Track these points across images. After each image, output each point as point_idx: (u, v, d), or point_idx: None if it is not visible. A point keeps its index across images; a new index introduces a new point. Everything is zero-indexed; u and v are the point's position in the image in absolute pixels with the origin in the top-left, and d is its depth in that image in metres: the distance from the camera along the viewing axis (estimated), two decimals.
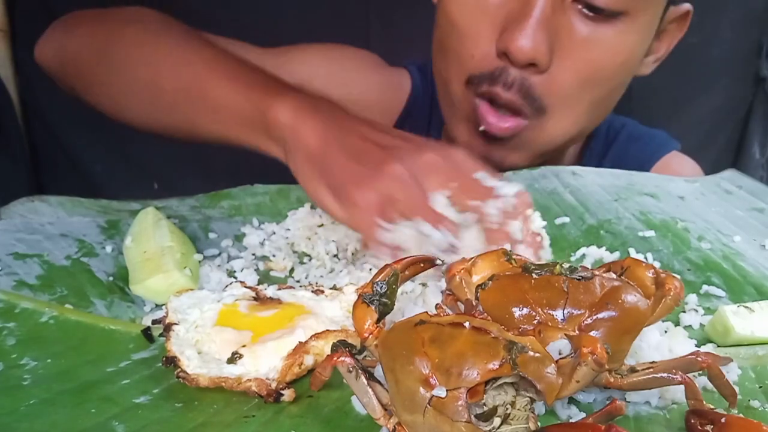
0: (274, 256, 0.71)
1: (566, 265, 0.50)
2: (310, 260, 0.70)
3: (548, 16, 0.78)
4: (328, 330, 0.52)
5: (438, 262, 0.57)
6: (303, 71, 1.00)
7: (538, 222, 0.66)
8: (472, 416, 0.39)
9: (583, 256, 0.71)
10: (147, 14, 0.90)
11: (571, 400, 0.48)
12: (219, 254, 0.70)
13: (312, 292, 0.58)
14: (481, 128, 0.85)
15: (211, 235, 0.74)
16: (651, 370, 0.47)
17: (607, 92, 0.87)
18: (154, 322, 0.55)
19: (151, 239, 0.65)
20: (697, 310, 0.61)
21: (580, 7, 0.79)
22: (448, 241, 0.61)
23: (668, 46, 0.94)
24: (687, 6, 0.91)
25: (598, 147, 1.07)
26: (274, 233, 0.75)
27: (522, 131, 0.85)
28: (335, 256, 0.70)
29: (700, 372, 0.48)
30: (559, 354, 0.44)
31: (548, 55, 0.79)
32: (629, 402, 0.48)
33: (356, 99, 0.99)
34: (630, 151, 1.07)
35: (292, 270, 0.69)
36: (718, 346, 0.57)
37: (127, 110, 0.87)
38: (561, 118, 0.85)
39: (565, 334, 0.45)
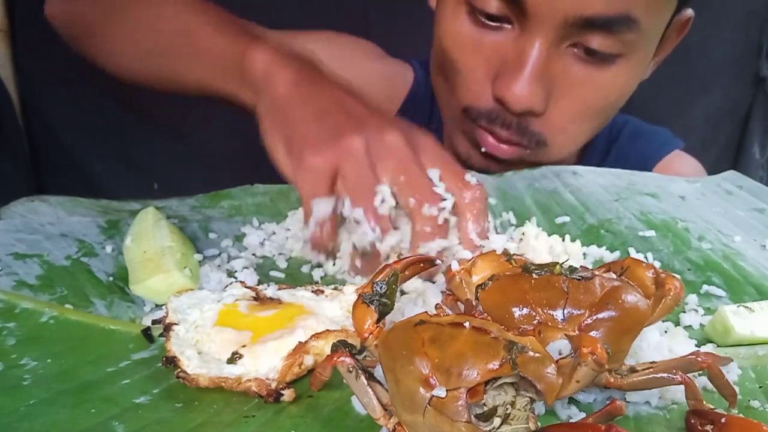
0: None
1: (566, 265, 0.50)
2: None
3: (544, 63, 0.78)
4: (328, 330, 0.52)
5: (437, 262, 0.57)
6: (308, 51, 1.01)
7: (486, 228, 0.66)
8: (472, 416, 0.39)
9: (584, 255, 0.71)
10: None
11: (571, 400, 0.48)
12: (219, 254, 0.70)
13: (312, 292, 0.58)
14: (483, 149, 0.86)
15: (211, 235, 0.74)
16: (651, 370, 0.47)
17: (606, 118, 0.90)
18: (154, 322, 0.55)
19: (151, 239, 0.65)
20: (697, 310, 0.61)
21: (576, 51, 0.79)
22: (373, 238, 0.60)
23: (667, 50, 0.95)
24: (690, 13, 0.90)
25: (601, 145, 1.07)
26: (274, 233, 0.75)
27: (523, 155, 0.86)
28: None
29: (700, 372, 0.48)
30: (559, 354, 0.44)
31: (544, 103, 0.80)
32: (629, 402, 0.48)
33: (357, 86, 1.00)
34: (633, 149, 1.06)
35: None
36: (718, 346, 0.57)
37: (122, 57, 0.90)
38: (562, 145, 0.87)
39: (565, 334, 0.45)
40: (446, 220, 0.62)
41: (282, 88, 0.66)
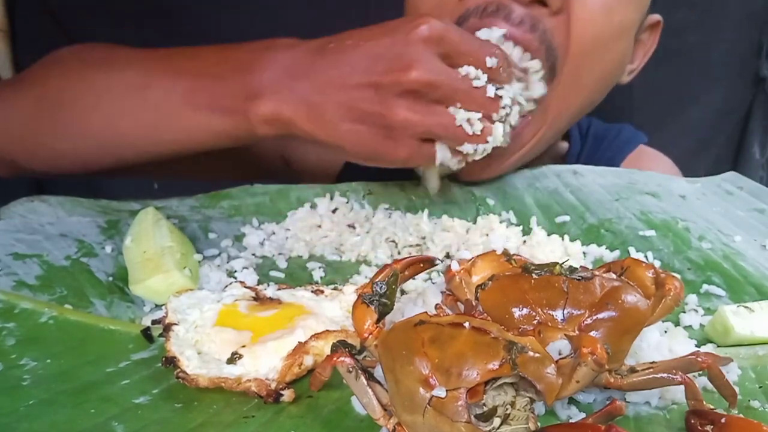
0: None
1: (566, 266, 0.50)
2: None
3: None
4: (327, 330, 0.52)
5: (437, 262, 0.57)
6: None
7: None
8: (472, 416, 0.39)
9: (584, 254, 0.71)
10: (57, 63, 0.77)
11: (571, 401, 0.48)
12: (219, 254, 0.70)
13: (312, 292, 0.58)
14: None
15: (211, 235, 0.74)
16: (651, 370, 0.47)
17: (606, 67, 0.80)
18: (154, 322, 0.55)
19: (150, 239, 0.65)
20: (697, 310, 0.61)
21: None
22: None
23: (642, 57, 0.92)
24: (657, 16, 0.90)
25: (575, 150, 1.05)
26: (274, 233, 0.75)
27: (525, 126, 0.77)
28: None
29: (700, 372, 0.48)
30: (559, 354, 0.44)
31: None
32: (629, 402, 0.48)
33: None
34: (597, 151, 1.04)
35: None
36: (718, 346, 0.57)
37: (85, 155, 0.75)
38: (568, 91, 0.77)
39: (565, 335, 0.45)
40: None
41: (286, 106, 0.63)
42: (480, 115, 0.65)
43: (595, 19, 0.74)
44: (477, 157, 0.67)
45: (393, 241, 0.71)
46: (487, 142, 0.66)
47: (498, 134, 0.66)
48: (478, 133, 0.65)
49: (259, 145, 0.96)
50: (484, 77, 0.64)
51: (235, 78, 0.65)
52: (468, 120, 0.64)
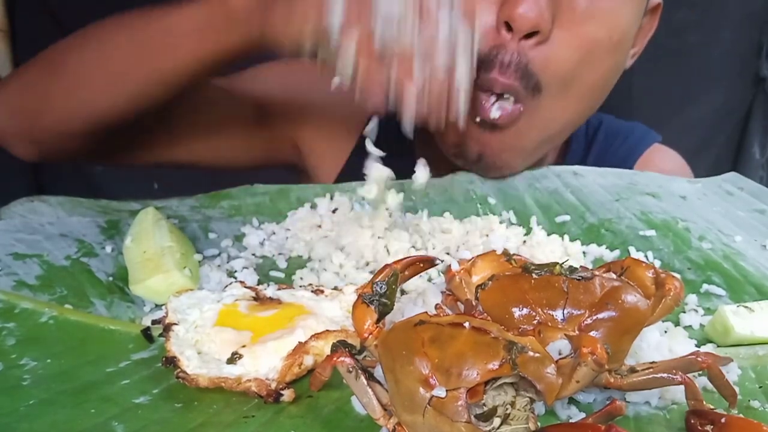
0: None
1: (566, 265, 0.50)
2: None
3: None
4: (327, 330, 0.52)
5: (437, 262, 0.57)
6: (259, 89, 1.00)
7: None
8: (472, 416, 0.39)
9: (584, 254, 0.71)
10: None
11: (571, 401, 0.48)
12: (219, 254, 0.70)
13: (312, 292, 0.58)
14: (477, 119, 0.82)
15: (211, 235, 0.74)
16: (651, 370, 0.47)
17: (601, 77, 0.84)
18: (154, 322, 0.55)
19: (151, 239, 0.65)
20: (697, 310, 0.61)
21: None
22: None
23: (643, 40, 0.93)
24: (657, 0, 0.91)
25: (579, 149, 1.05)
26: (274, 233, 0.75)
27: (519, 117, 0.81)
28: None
29: (700, 372, 0.48)
30: (559, 354, 0.44)
31: (550, 22, 0.77)
32: (629, 402, 0.48)
33: (322, 104, 0.99)
34: (610, 148, 1.05)
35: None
36: (718, 346, 0.57)
37: (94, 91, 0.81)
38: (556, 100, 0.82)
39: (565, 335, 0.45)
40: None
41: None
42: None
43: (574, 45, 0.79)
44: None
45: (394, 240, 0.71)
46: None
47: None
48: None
49: (272, 131, 0.99)
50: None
51: None
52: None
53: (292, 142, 1.04)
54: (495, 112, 0.80)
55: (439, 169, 0.88)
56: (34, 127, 0.83)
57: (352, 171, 0.89)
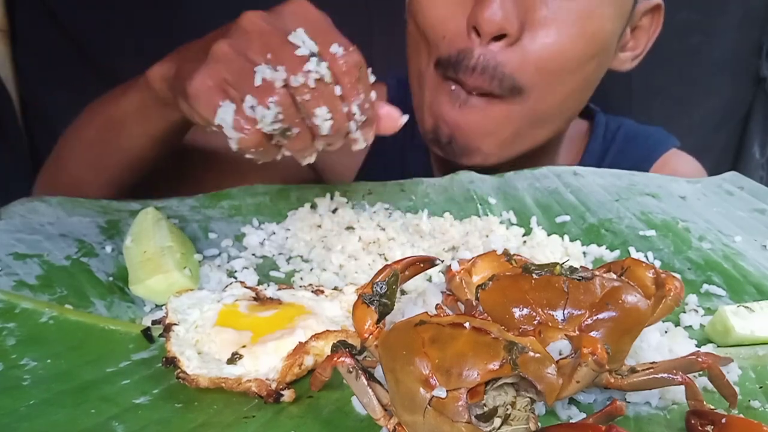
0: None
1: (566, 266, 0.50)
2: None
3: None
4: (328, 330, 0.52)
5: (437, 262, 0.57)
6: None
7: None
8: (473, 417, 0.39)
9: (584, 254, 0.71)
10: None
11: (572, 401, 0.48)
12: (219, 254, 0.70)
13: (312, 292, 0.58)
14: (452, 87, 0.84)
15: (211, 235, 0.74)
16: (651, 370, 0.47)
17: (581, 76, 0.85)
18: (154, 322, 0.55)
19: (151, 239, 0.65)
20: (697, 311, 0.61)
21: None
22: (271, 116, 0.56)
23: (645, 42, 0.94)
24: (657, 0, 0.91)
25: (597, 148, 1.07)
26: (274, 233, 0.75)
27: (497, 104, 0.83)
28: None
29: (701, 372, 0.48)
30: (560, 354, 0.44)
31: (517, 25, 0.79)
32: (629, 402, 0.48)
33: None
34: (628, 150, 1.06)
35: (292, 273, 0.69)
36: (719, 347, 0.57)
37: (94, 186, 0.88)
38: (545, 99, 0.84)
39: (566, 335, 0.45)
40: (320, 80, 0.57)
41: (172, 67, 0.68)
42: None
43: (549, 46, 0.81)
44: (248, 145, 0.59)
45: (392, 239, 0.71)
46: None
47: (266, 116, 0.57)
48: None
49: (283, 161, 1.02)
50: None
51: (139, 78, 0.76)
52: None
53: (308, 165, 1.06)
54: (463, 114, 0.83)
55: (441, 168, 0.89)
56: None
57: (370, 172, 0.90)
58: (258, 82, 0.56)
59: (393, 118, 0.63)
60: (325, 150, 0.62)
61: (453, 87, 0.84)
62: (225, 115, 0.57)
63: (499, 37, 0.79)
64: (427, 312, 0.45)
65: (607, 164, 1.03)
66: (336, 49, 0.58)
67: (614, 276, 0.51)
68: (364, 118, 0.60)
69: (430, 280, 0.64)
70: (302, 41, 0.57)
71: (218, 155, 0.94)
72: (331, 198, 0.81)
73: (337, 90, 0.58)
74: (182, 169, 0.89)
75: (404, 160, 0.83)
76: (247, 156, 0.60)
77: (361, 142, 0.61)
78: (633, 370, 0.47)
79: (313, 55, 0.57)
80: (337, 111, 0.58)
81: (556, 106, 0.87)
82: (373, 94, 0.61)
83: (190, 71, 0.60)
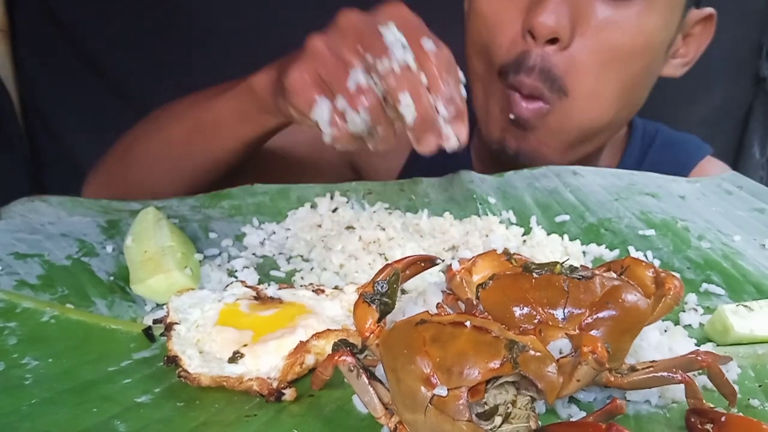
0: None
1: (566, 265, 0.51)
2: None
3: None
4: (329, 329, 0.52)
5: (438, 261, 0.57)
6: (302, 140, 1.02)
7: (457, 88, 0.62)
8: (473, 415, 0.39)
9: (584, 253, 0.71)
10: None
11: (572, 399, 0.48)
12: (219, 254, 0.70)
13: (313, 291, 0.59)
14: (511, 116, 0.88)
15: (212, 235, 0.74)
16: (651, 369, 0.47)
17: (631, 78, 0.89)
18: (155, 321, 0.55)
19: (151, 239, 0.65)
20: (696, 310, 0.62)
21: None
22: (361, 120, 0.58)
23: (696, 50, 0.98)
24: (710, 10, 0.94)
25: (635, 152, 1.09)
26: (274, 233, 0.75)
27: (548, 115, 0.87)
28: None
29: (700, 371, 0.48)
30: (560, 353, 0.45)
31: (569, 30, 0.83)
32: (629, 401, 0.48)
33: None
34: (667, 156, 1.08)
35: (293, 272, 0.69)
36: (718, 345, 0.57)
37: (161, 185, 0.90)
38: (587, 101, 0.87)
39: (566, 334, 0.45)
40: (406, 66, 0.58)
41: (276, 72, 0.68)
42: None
43: (594, 55, 0.84)
44: (340, 142, 0.61)
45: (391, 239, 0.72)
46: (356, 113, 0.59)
47: (355, 120, 0.59)
48: (358, 106, 0.59)
49: (328, 157, 1.03)
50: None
51: (238, 83, 0.78)
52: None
53: (349, 165, 1.09)
54: (526, 106, 0.86)
55: (487, 167, 0.93)
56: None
57: (411, 174, 0.92)
58: (351, 85, 0.58)
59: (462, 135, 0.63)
60: (422, 153, 0.62)
61: (511, 94, 0.87)
62: (321, 111, 0.59)
63: (552, 41, 0.83)
64: (427, 311, 0.45)
65: (646, 167, 1.04)
66: (426, 42, 0.60)
67: (614, 275, 0.51)
68: (452, 112, 0.60)
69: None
70: (392, 33, 0.59)
71: (286, 156, 0.99)
72: (331, 198, 0.81)
73: (423, 79, 0.59)
74: (256, 169, 0.91)
75: (446, 160, 0.84)
76: (337, 147, 0.62)
77: (453, 139, 0.61)
78: (633, 369, 0.47)
79: (401, 45, 0.59)
80: (421, 97, 0.59)
81: (604, 111, 0.90)
82: (463, 91, 0.62)
83: (287, 68, 0.62)
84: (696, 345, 0.55)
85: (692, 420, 0.44)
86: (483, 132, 0.96)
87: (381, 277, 0.50)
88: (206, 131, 0.83)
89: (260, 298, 0.57)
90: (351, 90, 0.58)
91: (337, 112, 0.59)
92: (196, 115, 0.84)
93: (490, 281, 0.51)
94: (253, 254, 0.71)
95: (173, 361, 0.50)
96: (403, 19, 0.61)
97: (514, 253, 0.57)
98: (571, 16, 0.82)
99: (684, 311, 0.61)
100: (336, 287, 0.60)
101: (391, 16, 0.61)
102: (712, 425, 0.42)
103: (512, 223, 0.77)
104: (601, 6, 0.83)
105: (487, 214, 0.78)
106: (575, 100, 0.86)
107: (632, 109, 0.96)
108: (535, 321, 0.47)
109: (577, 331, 0.46)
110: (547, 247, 0.70)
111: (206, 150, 0.83)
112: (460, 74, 0.62)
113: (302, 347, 0.50)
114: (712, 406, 0.46)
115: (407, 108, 0.58)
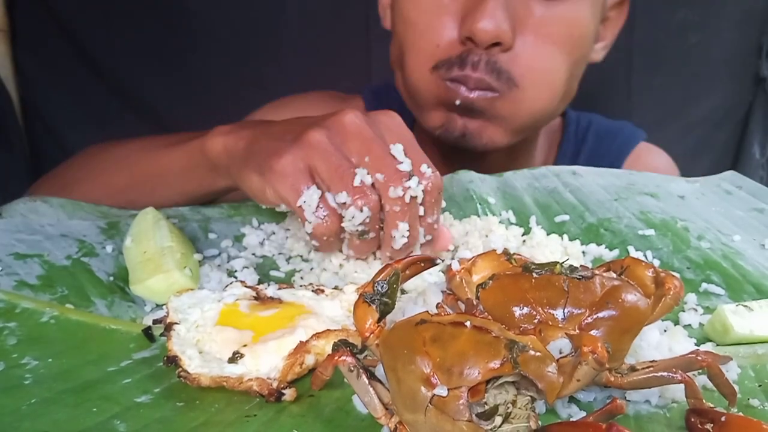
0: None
1: (566, 265, 0.51)
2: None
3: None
4: (329, 329, 0.52)
5: (438, 261, 0.57)
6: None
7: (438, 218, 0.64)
8: (474, 415, 0.39)
9: (583, 253, 0.71)
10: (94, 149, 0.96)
11: (572, 399, 0.48)
12: (219, 254, 0.70)
13: (312, 291, 0.59)
14: (457, 102, 0.87)
15: (211, 235, 0.74)
16: (651, 369, 0.47)
17: (574, 67, 0.91)
18: (155, 321, 0.55)
19: (151, 239, 0.65)
20: (696, 309, 0.62)
21: None
22: (363, 217, 0.59)
23: (613, 33, 1.00)
24: None
25: (570, 148, 1.09)
26: (274, 233, 0.75)
27: (498, 101, 0.87)
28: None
29: (700, 371, 0.48)
30: (560, 353, 0.45)
31: (510, 32, 0.83)
32: (629, 401, 0.48)
33: None
34: (600, 148, 1.09)
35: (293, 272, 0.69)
36: (718, 345, 0.57)
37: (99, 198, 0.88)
38: (538, 90, 0.88)
39: (566, 333, 0.45)
40: (414, 198, 0.61)
41: (242, 143, 0.67)
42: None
43: (537, 49, 0.86)
44: (323, 234, 0.61)
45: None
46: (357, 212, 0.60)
47: (356, 217, 0.60)
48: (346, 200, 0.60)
49: None
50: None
51: (197, 137, 0.76)
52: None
53: None
54: (470, 98, 0.86)
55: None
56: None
57: None
58: (357, 183, 0.59)
59: (447, 239, 0.67)
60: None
61: (454, 85, 0.87)
62: (310, 199, 0.60)
63: (494, 44, 0.83)
64: (427, 311, 0.45)
65: (582, 162, 1.05)
66: (425, 169, 0.62)
67: (614, 275, 0.51)
68: (429, 238, 0.64)
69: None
70: (402, 158, 0.61)
71: None
72: None
73: (420, 210, 0.62)
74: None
75: None
76: (313, 242, 0.63)
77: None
78: (633, 369, 0.47)
79: (411, 174, 0.61)
80: (415, 230, 0.62)
81: (554, 98, 0.91)
82: (441, 218, 0.65)
83: (276, 149, 0.61)
84: (696, 345, 0.55)
85: (692, 420, 0.44)
86: (421, 122, 0.95)
87: (381, 277, 0.50)
88: (152, 182, 0.82)
89: (260, 298, 0.57)
90: (356, 186, 0.59)
91: (326, 203, 0.60)
92: (141, 165, 0.84)
93: (490, 281, 0.51)
94: (253, 254, 0.71)
95: (173, 361, 0.50)
96: (405, 140, 0.62)
97: (514, 253, 0.57)
98: (510, 18, 0.83)
99: (684, 311, 0.61)
100: (336, 287, 0.60)
101: (394, 135, 0.62)
102: (712, 425, 0.42)
103: (512, 223, 0.77)
104: (536, 5, 0.85)
105: (486, 214, 0.78)
106: (525, 90, 0.87)
107: (571, 96, 0.97)
108: (535, 321, 0.47)
109: (577, 331, 0.46)
110: (546, 247, 0.70)
111: (150, 201, 0.79)
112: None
113: (302, 347, 0.50)
114: (712, 406, 0.46)
115: (400, 236, 0.61)
